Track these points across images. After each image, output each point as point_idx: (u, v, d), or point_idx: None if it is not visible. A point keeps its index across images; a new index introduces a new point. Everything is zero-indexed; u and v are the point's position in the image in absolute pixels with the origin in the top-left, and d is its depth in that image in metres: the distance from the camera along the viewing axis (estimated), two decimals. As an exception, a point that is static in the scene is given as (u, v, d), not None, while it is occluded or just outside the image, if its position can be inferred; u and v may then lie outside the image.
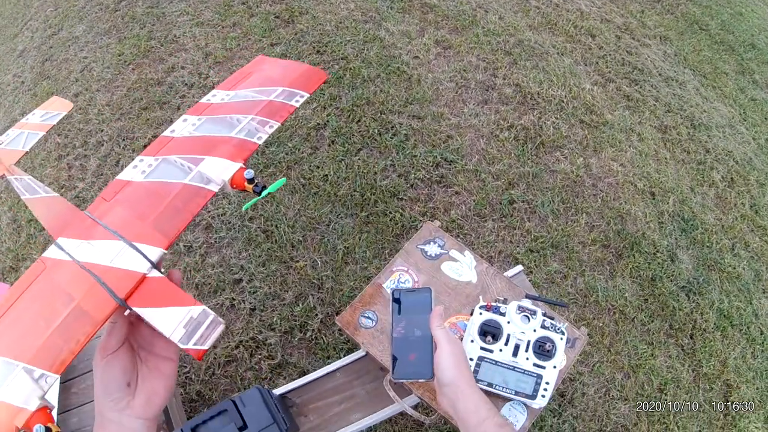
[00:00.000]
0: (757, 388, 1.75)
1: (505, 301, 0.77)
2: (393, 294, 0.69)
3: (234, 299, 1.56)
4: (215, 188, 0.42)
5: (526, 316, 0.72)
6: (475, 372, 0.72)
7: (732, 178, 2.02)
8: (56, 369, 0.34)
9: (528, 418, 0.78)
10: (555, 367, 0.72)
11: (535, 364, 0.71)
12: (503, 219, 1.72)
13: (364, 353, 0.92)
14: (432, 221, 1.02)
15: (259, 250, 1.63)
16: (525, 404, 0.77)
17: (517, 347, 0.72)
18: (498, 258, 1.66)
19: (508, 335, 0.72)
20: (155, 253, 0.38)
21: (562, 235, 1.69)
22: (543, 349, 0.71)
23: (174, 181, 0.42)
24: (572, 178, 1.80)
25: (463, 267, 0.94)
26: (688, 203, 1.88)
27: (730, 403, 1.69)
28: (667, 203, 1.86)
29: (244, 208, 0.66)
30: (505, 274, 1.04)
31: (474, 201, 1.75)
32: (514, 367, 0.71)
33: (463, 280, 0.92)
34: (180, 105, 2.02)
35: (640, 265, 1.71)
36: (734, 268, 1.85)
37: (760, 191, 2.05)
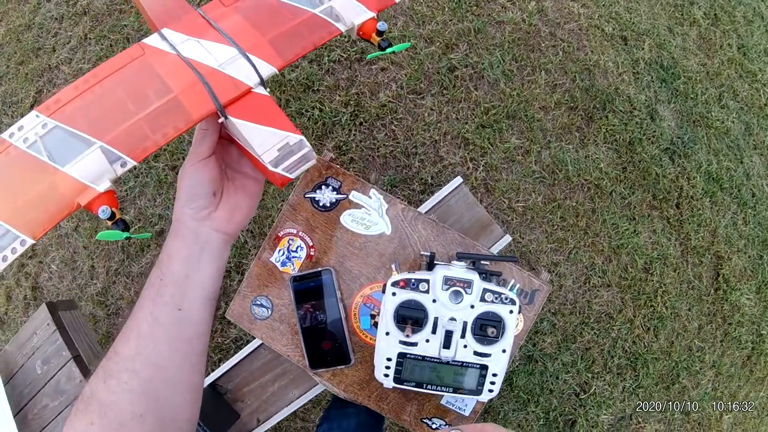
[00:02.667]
0: (749, 257, 1.56)
1: (430, 262, 0.62)
2: (291, 282, 0.65)
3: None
4: (342, 28, 0.40)
5: (458, 291, 0.56)
6: (397, 372, 0.58)
7: (715, 14, 1.67)
8: (136, 156, 0.33)
9: (477, 402, 0.67)
10: (504, 350, 0.57)
11: (476, 353, 0.57)
12: (444, 92, 1.33)
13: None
14: (321, 155, 0.73)
15: (173, 191, 1.46)
16: None
17: (449, 335, 0.56)
18: (444, 141, 1.30)
19: (436, 319, 0.56)
20: (267, 69, 0.37)
21: (518, 102, 1.33)
22: (486, 332, 0.56)
23: (303, 7, 0.41)
24: (524, 28, 1.40)
25: (370, 214, 0.70)
26: (666, 47, 1.53)
27: (720, 276, 1.49)
28: (642, 49, 1.50)
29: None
30: (437, 195, 0.88)
31: (406, 76, 1.35)
32: (449, 360, 0.57)
33: (372, 234, 0.70)
34: (54, 46, 1.58)
35: (615, 127, 1.39)
36: (722, 123, 1.57)
37: (748, 30, 1.72)
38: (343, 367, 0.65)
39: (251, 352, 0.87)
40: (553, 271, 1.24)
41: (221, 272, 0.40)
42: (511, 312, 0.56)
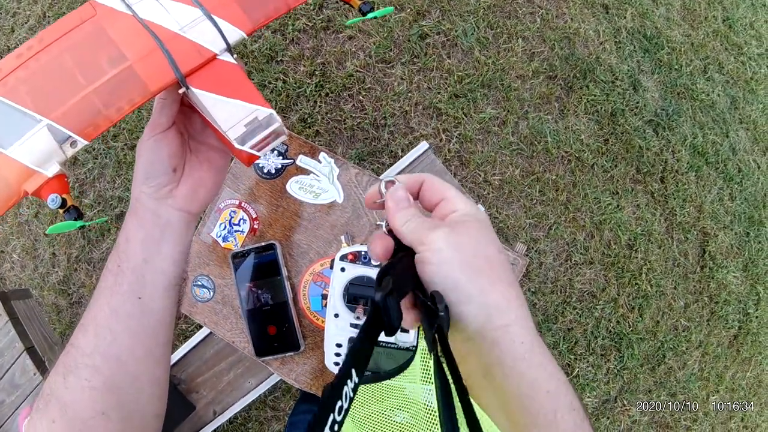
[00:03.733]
0: (736, 234, 1.52)
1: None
2: (232, 259, 0.57)
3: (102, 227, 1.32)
4: None
5: None
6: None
7: (700, -16, 1.61)
8: (87, 134, 0.30)
9: None
10: None
11: None
12: (415, 60, 1.25)
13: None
14: (279, 117, 0.61)
15: (131, 171, 1.24)
16: None
17: None
18: (415, 112, 1.22)
19: None
20: (234, 35, 0.33)
21: (494, 71, 1.25)
22: None
23: None
24: (501, -6, 1.33)
25: (319, 181, 0.63)
26: (649, 17, 1.47)
27: (706, 253, 1.45)
28: (625, 18, 1.44)
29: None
30: (401, 162, 0.79)
31: (374, 44, 1.26)
32: (408, 346, 0.49)
33: (322, 202, 0.62)
34: (13, 26, 1.48)
35: (597, 97, 1.32)
36: (708, 95, 1.52)
37: (733, 2, 1.67)
38: (292, 353, 0.58)
39: (204, 339, 0.80)
40: (533, 248, 1.18)
41: (185, 255, 0.37)
42: None
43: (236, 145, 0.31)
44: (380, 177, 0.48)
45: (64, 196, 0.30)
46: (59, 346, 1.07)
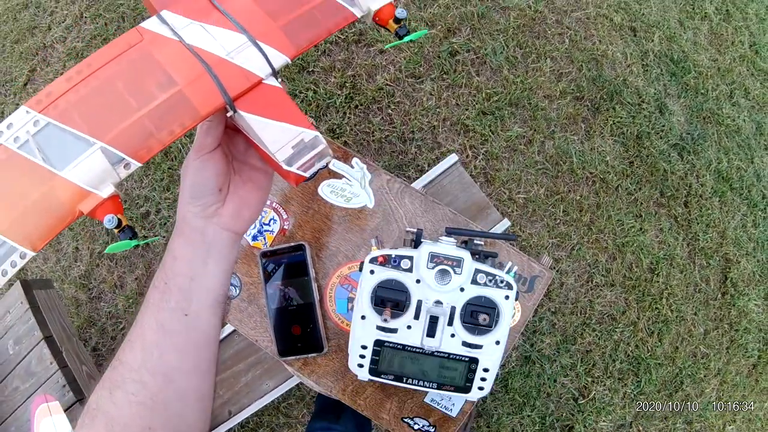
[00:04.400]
0: (758, 261, 1.50)
1: (417, 240, 0.53)
2: (260, 258, 0.58)
3: (146, 236, 1.36)
4: (358, 14, 0.38)
5: (446, 270, 0.48)
6: (374, 362, 0.51)
7: (727, 10, 1.61)
8: (140, 157, 0.31)
9: (466, 402, 0.60)
10: (498, 342, 0.50)
11: (465, 344, 0.50)
12: (445, 77, 1.27)
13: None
14: (324, 139, 0.64)
15: (159, 171, 1.38)
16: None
17: (434, 321, 0.49)
18: (443, 127, 1.23)
19: (419, 303, 0.49)
20: (279, 60, 0.34)
21: (522, 90, 1.26)
22: (477, 320, 0.48)
23: None
24: (529, 14, 1.34)
25: (351, 185, 0.64)
26: (677, 40, 1.47)
27: (728, 280, 1.43)
28: (652, 41, 1.44)
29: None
30: (430, 173, 0.82)
31: (405, 59, 1.28)
32: (433, 351, 0.50)
33: (353, 206, 0.63)
34: (50, 24, 1.54)
35: (623, 119, 1.33)
36: (733, 120, 1.51)
37: (760, 27, 1.66)
38: (315, 355, 0.58)
39: (224, 338, 0.81)
40: (555, 268, 1.18)
41: (229, 273, 0.38)
42: (507, 298, 0.48)
43: (284, 167, 0.32)
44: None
45: (119, 216, 0.30)
46: (77, 338, 1.09)
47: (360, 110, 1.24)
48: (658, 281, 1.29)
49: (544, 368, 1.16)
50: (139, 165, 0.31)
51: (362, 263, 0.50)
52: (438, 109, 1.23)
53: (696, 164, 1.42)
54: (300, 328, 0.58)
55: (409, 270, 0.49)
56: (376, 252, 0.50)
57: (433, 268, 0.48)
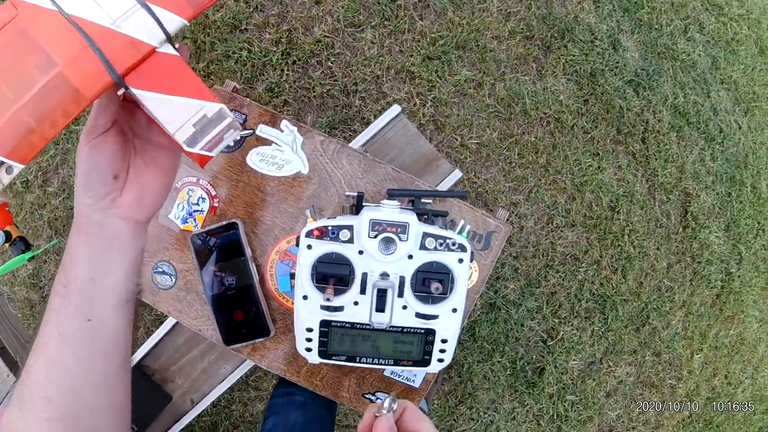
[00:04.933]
0: (717, 194, 1.51)
1: (357, 205, 0.50)
2: (192, 242, 0.53)
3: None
4: None
5: (389, 237, 0.44)
6: (322, 344, 0.48)
7: (678, -60, 1.57)
8: (22, 157, 0.27)
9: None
10: (455, 310, 0.46)
11: (419, 315, 0.46)
12: (386, 23, 1.19)
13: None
14: (222, 86, 0.61)
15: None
16: None
17: (382, 295, 0.45)
18: (387, 76, 1.17)
19: (364, 275, 0.45)
20: (174, 23, 0.29)
21: (468, 32, 1.20)
22: (429, 288, 0.45)
23: None
24: (474, -50, 1.27)
25: (282, 151, 0.58)
26: (628, -27, 1.42)
27: (689, 213, 1.44)
28: (603, -26, 1.39)
29: None
30: (371, 127, 0.74)
31: (343, 8, 1.20)
32: (384, 327, 0.46)
33: (285, 174, 0.58)
34: None
35: (575, 57, 1.29)
36: (688, 55, 1.49)
37: (711, -42, 1.63)
38: (262, 339, 0.54)
39: (173, 327, 0.76)
40: (513, 212, 1.15)
41: (136, 268, 0.35)
42: (460, 261, 0.44)
43: (186, 148, 0.29)
44: (378, 402, 0.46)
45: (7, 228, 0.27)
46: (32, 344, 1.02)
47: (298, 66, 1.16)
48: (619, 219, 1.28)
49: (510, 314, 1.15)
50: (22, 167, 0.28)
51: (297, 239, 0.46)
52: (381, 58, 1.17)
53: (652, 100, 1.40)
54: (243, 313, 0.54)
55: (350, 241, 0.44)
56: (312, 224, 0.45)
57: (375, 236, 0.43)
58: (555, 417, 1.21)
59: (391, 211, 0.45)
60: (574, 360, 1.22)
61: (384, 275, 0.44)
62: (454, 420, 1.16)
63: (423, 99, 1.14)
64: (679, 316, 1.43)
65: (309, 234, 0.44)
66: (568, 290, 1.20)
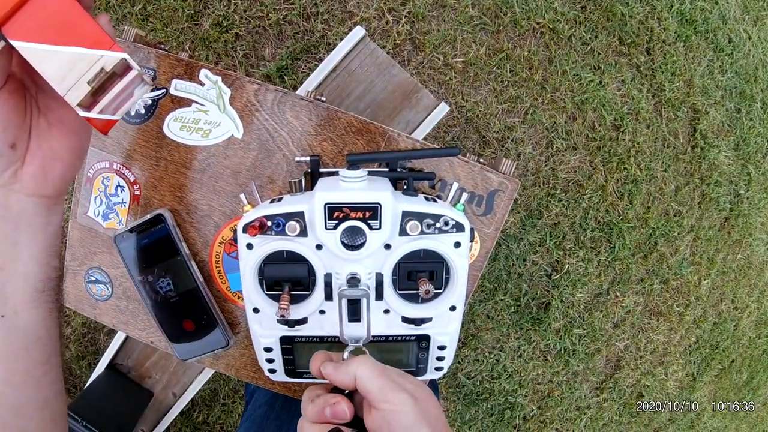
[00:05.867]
0: (727, 110, 1.40)
1: (313, 175, 0.39)
2: (116, 244, 0.43)
3: None
4: None
5: (355, 227, 0.32)
6: (288, 362, 0.38)
7: None
8: None
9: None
10: (454, 308, 0.35)
11: (406, 320, 0.35)
12: (348, -73, 1.02)
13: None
14: (120, 35, 0.44)
15: None
16: None
17: (355, 303, 0.33)
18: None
19: (328, 277, 0.34)
20: None
21: (445, -71, 1.03)
22: (415, 284, 0.34)
23: None
24: None
25: (207, 112, 0.43)
26: None
27: (697, 132, 1.33)
28: None
29: None
30: (329, 59, 0.62)
31: None
32: (362, 344, 0.34)
33: (216, 142, 0.44)
34: None
35: (570, -45, 1.12)
36: (693, -50, 1.31)
37: None
38: (221, 350, 0.45)
39: None
40: (509, 137, 1.04)
41: (52, 250, 0.31)
42: (457, 245, 0.33)
43: (80, 113, 0.25)
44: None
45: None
46: None
47: (249, -12, 1.00)
48: (624, 139, 1.17)
49: (511, 249, 1.07)
50: None
51: (234, 234, 0.37)
52: (342, -30, 1.00)
53: (656, 6, 1.25)
54: (192, 323, 0.44)
55: (303, 233, 0.32)
56: (249, 214, 0.33)
57: (335, 227, 0.31)
58: (562, 352, 1.17)
59: (354, 186, 0.32)
60: (580, 293, 1.15)
61: (353, 279, 0.33)
62: (459, 362, 1.11)
63: (396, 15, 0.99)
64: (688, 241, 1.36)
65: (247, 227, 0.33)
66: (572, 220, 1.11)
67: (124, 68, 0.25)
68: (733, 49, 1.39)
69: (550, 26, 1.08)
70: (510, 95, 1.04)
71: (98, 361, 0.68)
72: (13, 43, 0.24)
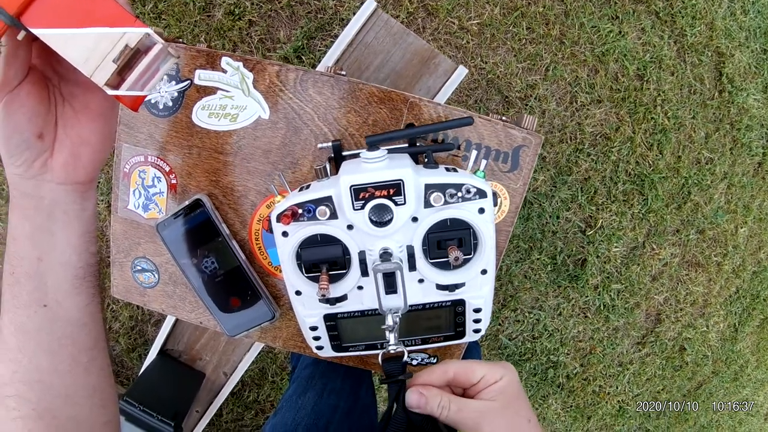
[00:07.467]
0: (752, 51, 1.35)
1: (336, 159, 0.40)
2: (158, 232, 0.45)
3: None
4: None
5: (382, 204, 0.33)
6: (334, 338, 0.40)
7: None
8: None
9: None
10: (485, 271, 0.37)
11: (440, 287, 0.37)
12: None
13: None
14: (158, 36, 0.46)
15: None
16: None
17: (390, 276, 0.35)
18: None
19: (362, 254, 0.36)
20: None
21: None
22: (445, 252, 0.35)
23: None
24: None
25: (232, 97, 0.44)
26: None
27: (723, 76, 1.29)
28: None
29: None
30: (344, 34, 0.64)
31: None
32: (400, 313, 0.36)
33: (243, 125, 0.45)
34: None
35: None
36: None
37: None
38: (267, 323, 0.47)
39: None
40: (531, 95, 1.03)
41: (89, 236, 0.31)
42: (481, 211, 0.35)
43: (109, 92, 0.24)
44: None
45: None
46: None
47: (259, -27, 1.01)
48: (648, 88, 1.15)
49: (543, 207, 1.07)
50: None
51: (269, 221, 0.38)
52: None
53: (671, -54, 1.21)
54: (238, 299, 0.46)
55: (333, 216, 0.35)
56: (281, 204, 0.35)
57: (362, 207, 0.33)
58: (602, 308, 1.16)
59: (375, 166, 0.34)
60: (616, 247, 1.14)
61: (385, 254, 0.35)
62: (500, 324, 1.12)
63: (408, -18, 0.99)
64: (721, 189, 1.33)
65: (280, 218, 0.35)
66: (603, 174, 1.10)
67: (146, 43, 0.25)
68: (753, -15, 1.34)
69: (564, -22, 1.06)
70: (529, 53, 1.03)
71: (148, 352, 0.71)
72: (35, 31, 0.24)
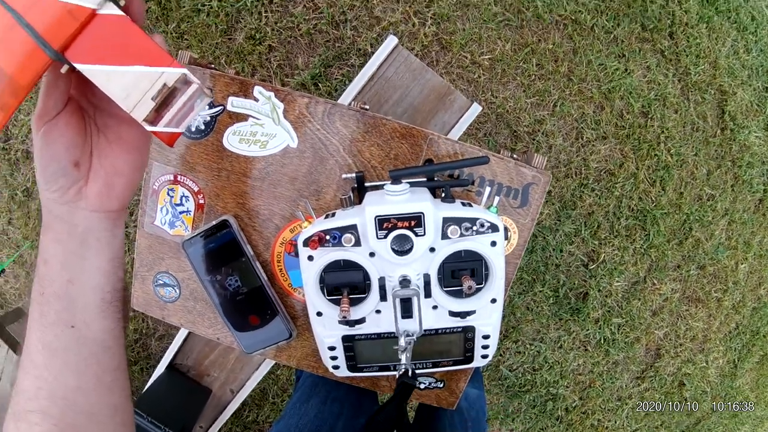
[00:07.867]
0: (754, 89, 1.38)
1: (360, 189, 0.42)
2: (184, 250, 0.47)
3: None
4: None
5: (403, 235, 0.36)
6: (350, 359, 0.43)
7: None
8: None
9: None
10: (494, 300, 0.39)
11: (453, 314, 0.40)
12: (369, -63, 1.05)
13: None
14: (176, 58, 0.43)
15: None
16: None
17: (407, 301, 0.38)
18: None
19: (382, 280, 0.38)
20: None
21: (464, -69, 1.05)
22: (458, 281, 0.38)
23: None
24: None
25: (262, 125, 0.47)
26: None
27: (726, 113, 1.32)
28: None
29: None
30: (366, 68, 0.66)
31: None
32: (415, 337, 0.39)
33: (272, 152, 0.47)
34: None
35: (589, -54, 1.13)
36: (711, -70, 1.30)
37: None
38: (284, 342, 0.49)
39: None
40: (539, 130, 1.05)
41: (118, 262, 0.32)
42: (493, 244, 0.37)
43: (147, 128, 0.25)
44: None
45: None
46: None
47: (276, 5, 1.04)
48: (652, 125, 1.17)
49: (547, 240, 1.08)
50: None
51: (295, 245, 0.40)
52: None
53: (677, -12, 1.25)
54: (257, 317, 0.48)
55: (357, 244, 0.37)
56: (307, 230, 0.37)
57: (385, 236, 0.36)
58: (602, 341, 1.16)
59: (399, 199, 0.36)
60: (617, 281, 1.15)
61: (404, 281, 0.37)
62: (501, 355, 1.12)
63: (422, 17, 1.02)
64: (722, 225, 1.34)
65: (306, 243, 0.37)
66: (606, 209, 1.11)
67: (184, 82, 0.26)
68: (756, 26, 1.37)
69: (572, 17, 1.09)
70: (538, 89, 1.05)
71: (150, 366, 0.71)
72: (78, 66, 0.24)
